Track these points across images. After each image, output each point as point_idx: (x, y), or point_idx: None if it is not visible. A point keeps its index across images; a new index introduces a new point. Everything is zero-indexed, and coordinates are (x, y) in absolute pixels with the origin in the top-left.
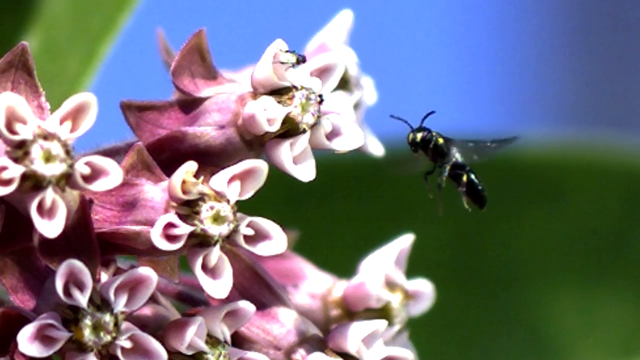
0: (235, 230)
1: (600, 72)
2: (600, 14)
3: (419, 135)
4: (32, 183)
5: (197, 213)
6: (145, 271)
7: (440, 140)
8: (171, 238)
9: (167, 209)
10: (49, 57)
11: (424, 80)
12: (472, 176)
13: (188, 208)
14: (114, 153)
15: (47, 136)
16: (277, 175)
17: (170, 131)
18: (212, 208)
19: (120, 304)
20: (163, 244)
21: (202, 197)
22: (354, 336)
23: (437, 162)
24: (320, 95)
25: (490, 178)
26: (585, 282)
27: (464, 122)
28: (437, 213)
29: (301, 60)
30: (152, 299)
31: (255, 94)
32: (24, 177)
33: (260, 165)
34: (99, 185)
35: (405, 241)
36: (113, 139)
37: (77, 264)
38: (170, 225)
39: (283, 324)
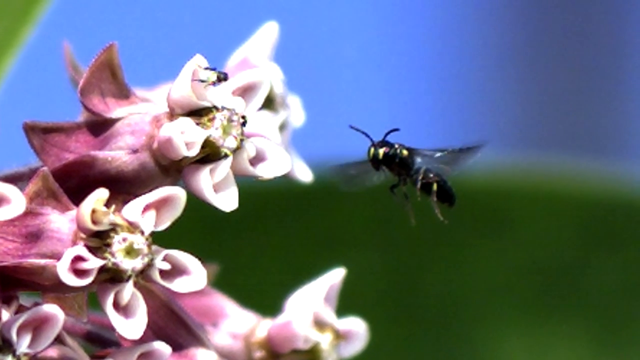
0: (149, 265)
1: (550, 91)
2: (550, 33)
3: (381, 152)
4: None
5: (109, 245)
6: (51, 309)
7: (405, 153)
8: (80, 273)
9: (75, 241)
10: None
11: (360, 100)
12: (439, 180)
13: (98, 240)
14: (16, 179)
15: None
16: (196, 204)
17: (78, 155)
18: (124, 240)
19: (23, 345)
20: (71, 279)
21: (113, 228)
22: None
23: (402, 175)
24: (243, 117)
25: (429, 207)
26: (535, 321)
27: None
28: (410, 223)
29: (222, 77)
30: (58, 340)
31: (172, 115)
32: None
33: (178, 193)
34: None
35: (336, 276)
36: (15, 163)
37: None
38: (78, 258)
39: None
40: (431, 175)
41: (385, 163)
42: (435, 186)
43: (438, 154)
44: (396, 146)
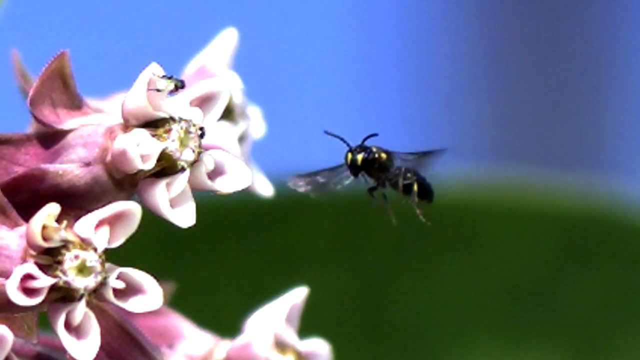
0: (103, 283)
1: (524, 105)
2: (522, 44)
3: (360, 157)
4: None
5: (60, 263)
6: None
7: (384, 156)
8: (30, 291)
9: (24, 258)
10: None
11: (324, 111)
12: (419, 178)
13: (49, 257)
14: None
15: None
16: (152, 219)
17: (28, 169)
18: (76, 257)
19: None
20: (20, 299)
21: (65, 245)
22: None
23: (381, 178)
24: (201, 128)
25: (397, 222)
26: (507, 341)
27: None
28: (392, 223)
29: (180, 86)
30: None
31: (127, 126)
32: None
33: (132, 208)
34: None
35: (298, 295)
36: None
37: None
38: (28, 276)
39: None
40: (409, 175)
41: (364, 168)
42: (415, 186)
43: (410, 157)
44: (374, 150)
